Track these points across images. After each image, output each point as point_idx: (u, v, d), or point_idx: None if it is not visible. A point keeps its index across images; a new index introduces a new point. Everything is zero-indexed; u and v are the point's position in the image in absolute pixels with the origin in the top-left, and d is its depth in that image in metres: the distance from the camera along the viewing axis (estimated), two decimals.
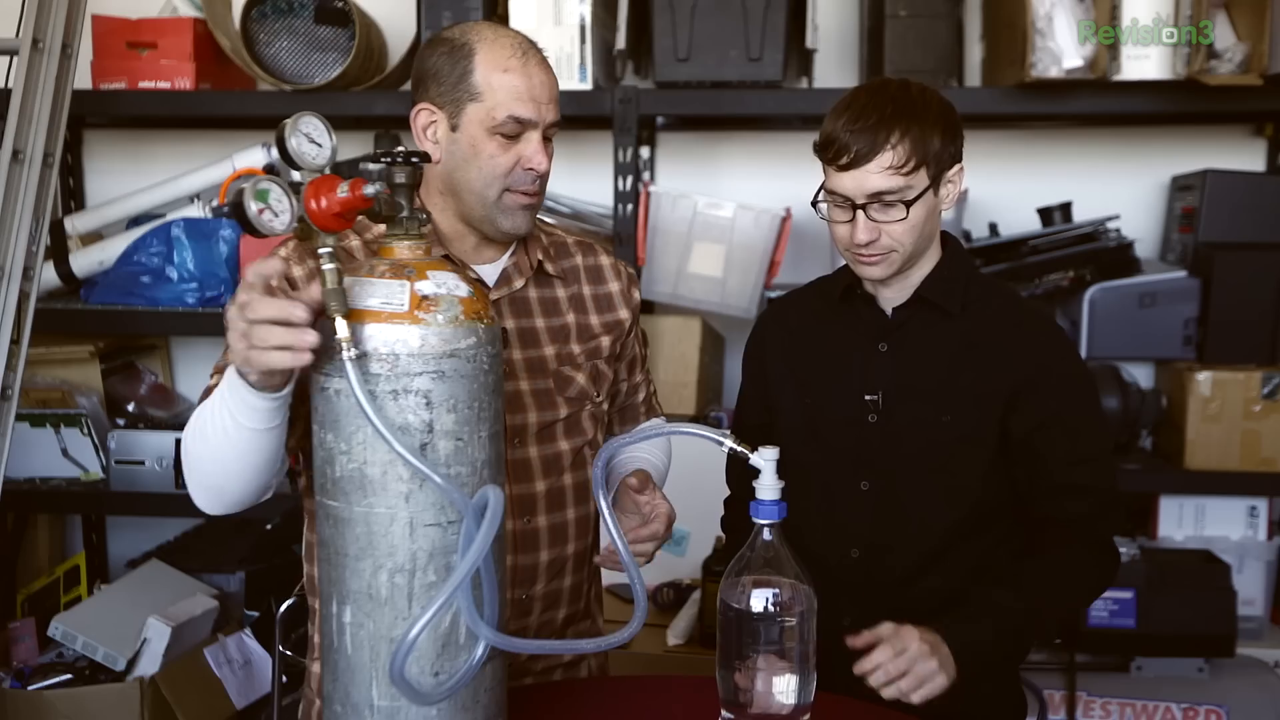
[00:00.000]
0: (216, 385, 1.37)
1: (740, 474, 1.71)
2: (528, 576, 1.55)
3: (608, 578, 2.69)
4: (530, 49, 1.49)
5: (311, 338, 1.11)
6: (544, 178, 1.51)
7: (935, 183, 1.54)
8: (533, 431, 1.55)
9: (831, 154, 1.53)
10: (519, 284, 1.57)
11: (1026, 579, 1.54)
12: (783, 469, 1.27)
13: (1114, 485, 1.64)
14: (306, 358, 1.12)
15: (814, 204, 1.60)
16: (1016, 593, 1.52)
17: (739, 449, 1.25)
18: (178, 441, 2.86)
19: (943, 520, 1.60)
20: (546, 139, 1.50)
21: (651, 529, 1.48)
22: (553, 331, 1.59)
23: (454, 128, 1.48)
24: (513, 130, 1.46)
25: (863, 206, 1.52)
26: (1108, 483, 1.62)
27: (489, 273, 1.56)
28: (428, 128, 1.50)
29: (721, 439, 1.26)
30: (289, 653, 2.33)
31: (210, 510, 1.40)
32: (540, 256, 1.60)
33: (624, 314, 1.67)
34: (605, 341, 1.64)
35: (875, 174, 1.50)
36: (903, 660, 1.40)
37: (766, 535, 1.28)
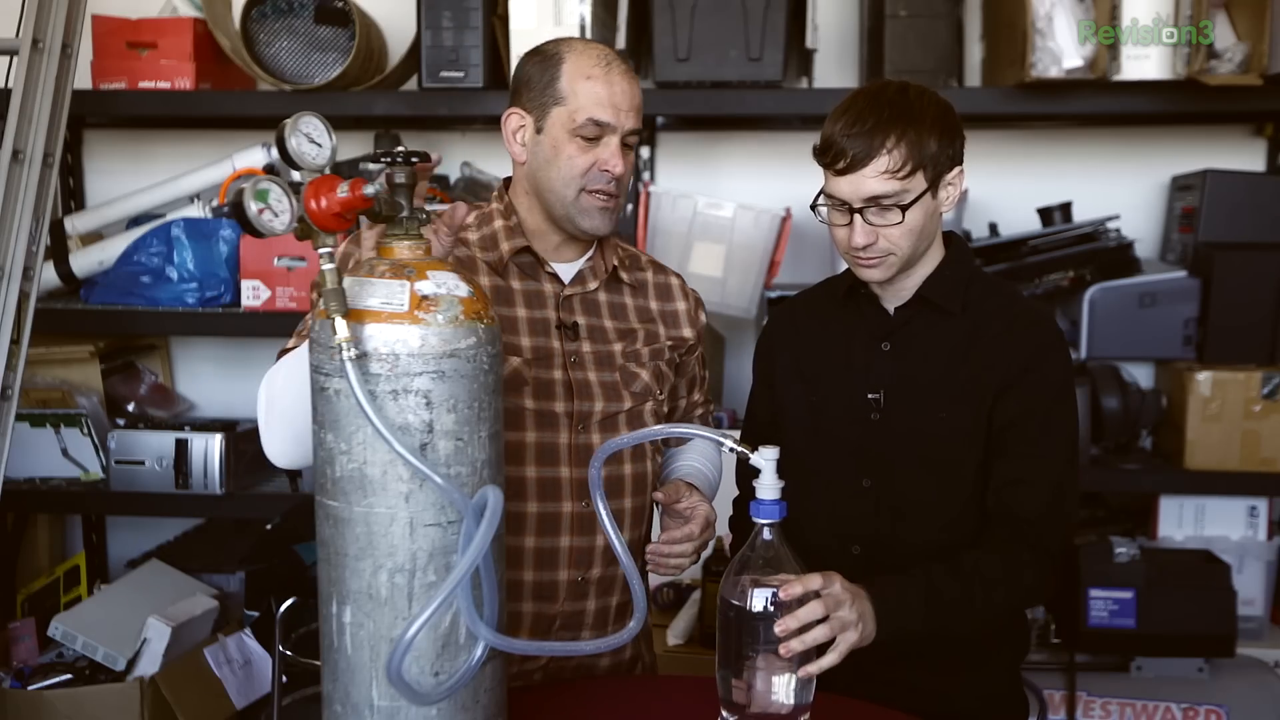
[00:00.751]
0: (291, 345, 1.49)
1: (747, 474, 1.72)
2: (584, 560, 1.61)
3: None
4: (615, 60, 1.58)
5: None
6: (620, 181, 1.58)
7: (934, 186, 1.54)
8: (596, 419, 1.61)
9: (829, 158, 1.54)
10: (593, 285, 1.65)
11: (964, 567, 1.50)
12: (787, 466, 1.28)
13: (1068, 491, 1.60)
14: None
15: (813, 207, 1.60)
16: (953, 577, 1.49)
17: (738, 449, 1.25)
18: (178, 441, 2.90)
19: (942, 517, 1.60)
20: (627, 146, 1.58)
21: (686, 530, 1.55)
22: (620, 332, 1.67)
23: (539, 130, 1.57)
24: (592, 133, 1.54)
25: (860, 210, 1.53)
26: (1060, 486, 1.58)
27: (566, 271, 1.64)
28: (517, 131, 1.60)
29: (721, 439, 1.26)
30: (289, 653, 2.33)
31: (280, 458, 1.47)
32: (616, 263, 1.67)
33: (688, 332, 1.75)
34: (668, 348, 1.71)
35: (871, 178, 1.51)
36: (829, 601, 1.32)
37: (766, 535, 1.28)
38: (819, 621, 1.31)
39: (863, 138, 1.50)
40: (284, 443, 1.45)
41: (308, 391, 1.32)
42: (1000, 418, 1.58)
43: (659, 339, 1.70)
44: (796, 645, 1.28)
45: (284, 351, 1.50)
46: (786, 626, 1.28)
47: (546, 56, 1.58)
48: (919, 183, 1.52)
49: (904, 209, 1.51)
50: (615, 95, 1.55)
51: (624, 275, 1.69)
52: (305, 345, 1.33)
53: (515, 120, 1.60)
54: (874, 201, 1.52)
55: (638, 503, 1.66)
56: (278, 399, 1.43)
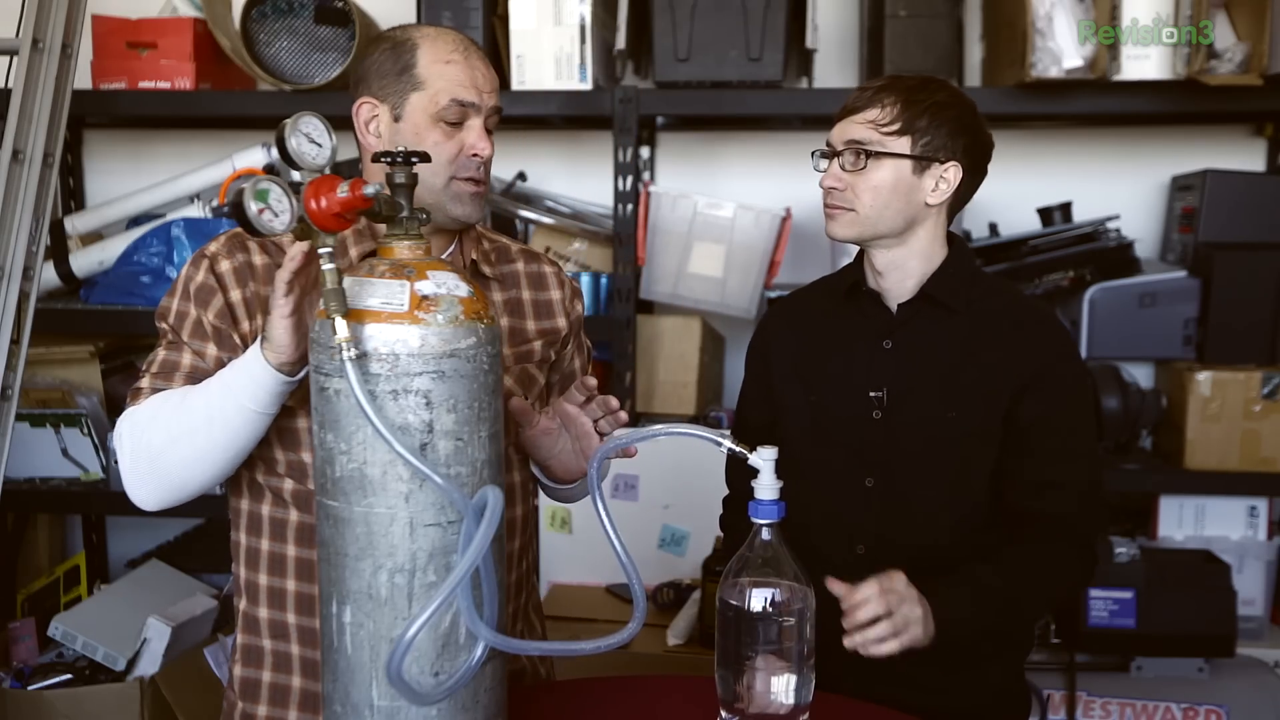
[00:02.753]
0: (147, 387, 1.46)
1: (739, 473, 1.72)
2: None
3: (609, 577, 2.71)
4: (471, 45, 1.53)
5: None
6: (487, 165, 1.53)
7: (918, 162, 1.57)
8: None
9: (839, 110, 1.63)
10: None
11: (1009, 564, 1.55)
12: (787, 466, 1.28)
13: (1098, 486, 1.64)
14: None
15: (813, 154, 1.66)
16: (1000, 575, 1.53)
17: (737, 449, 1.25)
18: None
19: (947, 516, 1.61)
20: (488, 130, 1.52)
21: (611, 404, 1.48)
22: None
23: (397, 118, 1.49)
24: (456, 116, 1.48)
25: (839, 154, 1.60)
26: (1092, 483, 1.62)
27: None
28: (370, 121, 1.52)
29: (720, 439, 1.26)
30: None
31: (150, 504, 1.44)
32: (476, 257, 1.60)
33: (561, 323, 1.67)
34: (538, 346, 1.64)
35: (858, 123, 1.59)
36: (892, 598, 1.41)
37: (765, 535, 1.28)
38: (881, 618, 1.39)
39: (869, 92, 1.60)
40: (158, 490, 1.43)
41: (208, 431, 1.36)
42: (1022, 418, 1.58)
43: (528, 335, 1.63)
44: (859, 638, 1.37)
45: (137, 392, 1.46)
46: (853, 620, 1.38)
47: (398, 44, 1.50)
48: (900, 145, 1.57)
49: (870, 156, 1.57)
50: (476, 78, 1.49)
51: (486, 269, 1.61)
52: (224, 378, 1.35)
53: (367, 110, 1.51)
54: (851, 145, 1.58)
55: (511, 513, 1.57)
56: (151, 445, 1.40)
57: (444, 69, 1.48)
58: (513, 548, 1.60)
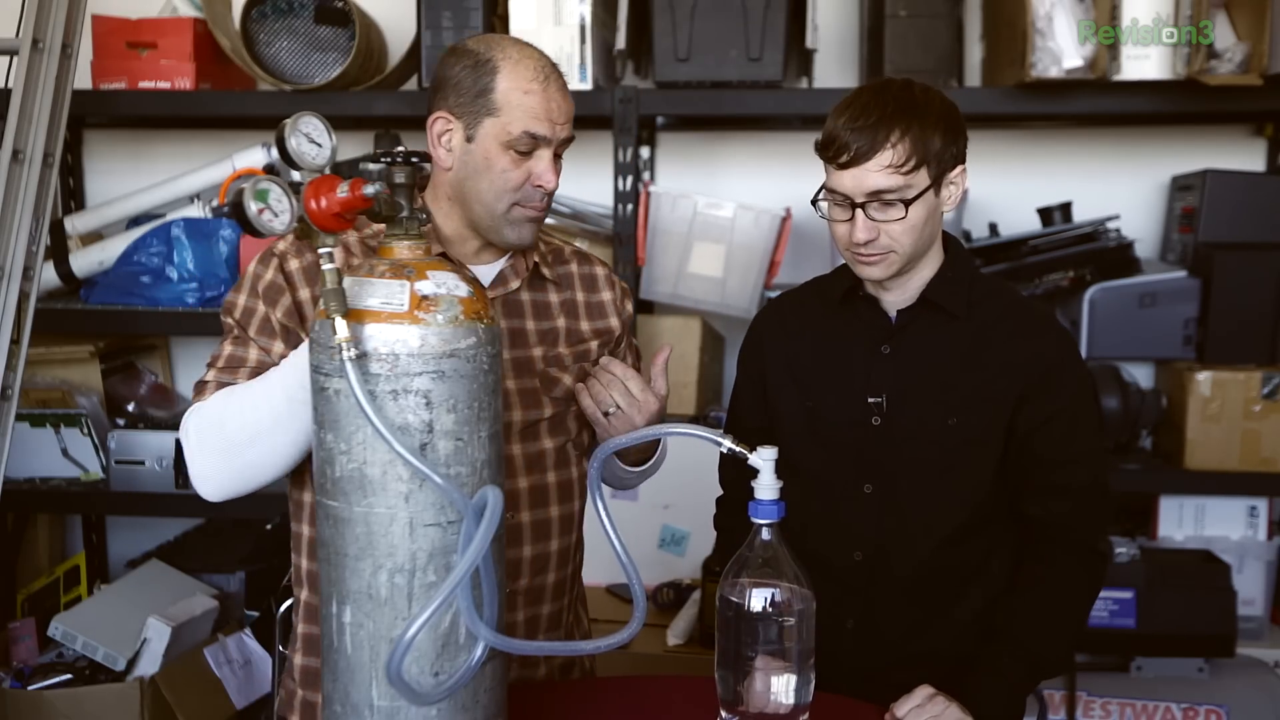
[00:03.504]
0: (213, 381, 1.47)
1: (733, 473, 1.71)
2: (511, 571, 1.57)
3: (609, 577, 2.70)
4: (552, 73, 1.52)
5: None
6: (551, 195, 1.55)
7: (936, 183, 1.53)
8: (516, 429, 1.57)
9: (832, 152, 1.53)
10: (514, 285, 1.60)
11: (1022, 627, 1.56)
12: (785, 471, 1.27)
13: (1104, 485, 1.63)
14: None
15: (814, 203, 1.59)
16: (1019, 645, 1.55)
17: (737, 449, 1.25)
18: (178, 442, 2.87)
19: (947, 522, 1.60)
20: (557, 156, 1.54)
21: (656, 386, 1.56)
22: (541, 334, 1.62)
23: (469, 139, 1.50)
24: (526, 146, 1.49)
25: (862, 205, 1.52)
26: (1096, 485, 1.61)
27: (485, 274, 1.59)
28: (443, 135, 1.52)
29: (720, 439, 1.26)
30: (289, 660, 2.33)
31: (217, 496, 1.45)
32: (536, 260, 1.63)
33: (614, 323, 1.70)
34: (594, 346, 1.66)
35: (875, 172, 1.49)
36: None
37: (765, 535, 1.28)
38: None
39: (867, 131, 1.49)
40: (230, 482, 1.44)
41: (275, 422, 1.36)
42: (1024, 424, 1.57)
43: (584, 335, 1.65)
44: None
45: (203, 386, 1.48)
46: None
47: (479, 61, 1.49)
48: (922, 178, 1.51)
49: (907, 204, 1.51)
50: (552, 110, 1.49)
51: (546, 271, 1.63)
52: (288, 367, 1.35)
53: (441, 124, 1.52)
54: (876, 196, 1.51)
55: (564, 510, 1.62)
56: (222, 435, 1.41)
57: (522, 99, 1.48)
58: (569, 542, 1.63)
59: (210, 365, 1.51)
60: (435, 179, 1.56)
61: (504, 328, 1.57)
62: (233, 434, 1.41)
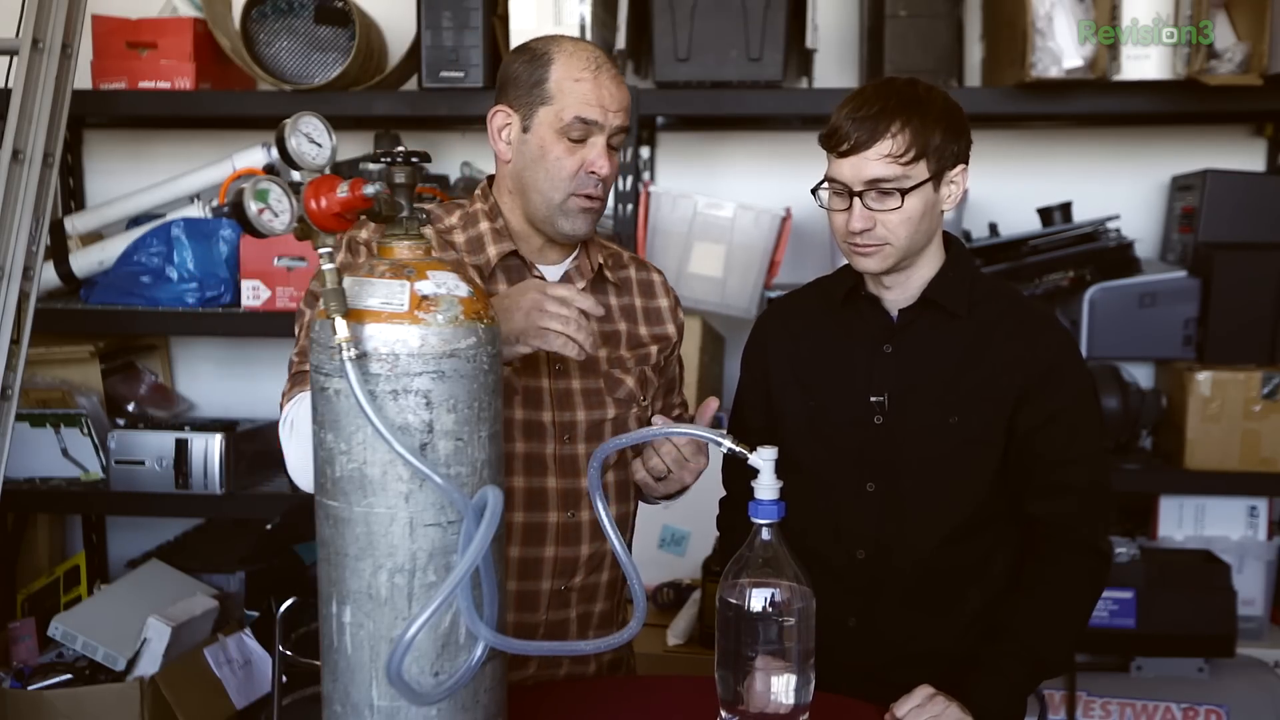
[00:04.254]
0: (296, 368, 1.49)
1: (735, 473, 1.72)
2: (568, 569, 1.60)
3: None
4: (604, 63, 1.56)
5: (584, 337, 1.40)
6: (606, 183, 1.57)
7: (936, 179, 1.55)
8: (582, 429, 1.60)
9: (834, 141, 1.55)
10: (580, 285, 1.62)
11: (1025, 626, 1.55)
12: (787, 470, 1.28)
13: (1105, 484, 1.63)
14: (574, 350, 1.40)
15: (814, 191, 1.61)
16: (1021, 645, 1.54)
17: (737, 449, 1.25)
18: (178, 441, 2.90)
19: (948, 521, 1.60)
20: (613, 148, 1.56)
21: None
22: (605, 335, 1.65)
23: (525, 129, 1.55)
24: (579, 133, 1.53)
25: (860, 194, 1.54)
26: (1097, 484, 1.61)
27: (552, 273, 1.62)
28: (503, 129, 1.58)
29: (720, 439, 1.26)
30: (289, 653, 2.33)
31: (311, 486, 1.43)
32: (601, 262, 1.66)
33: (670, 329, 1.73)
34: (653, 351, 1.69)
35: (874, 160, 1.52)
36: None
37: (765, 535, 1.28)
38: None
39: (868, 121, 1.52)
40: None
41: None
42: (1026, 423, 1.58)
43: (643, 340, 1.69)
44: None
45: (296, 376, 1.49)
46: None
47: (535, 55, 1.55)
48: (921, 171, 1.53)
49: (904, 193, 1.52)
50: (604, 97, 1.53)
51: (609, 274, 1.67)
52: None
53: (501, 118, 1.57)
54: (874, 185, 1.53)
55: (621, 510, 1.66)
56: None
57: (574, 86, 1.52)
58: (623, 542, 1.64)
59: (297, 353, 1.53)
60: (500, 173, 1.61)
61: None
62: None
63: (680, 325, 1.76)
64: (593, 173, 1.53)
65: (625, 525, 1.69)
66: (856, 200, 1.54)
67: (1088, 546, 1.60)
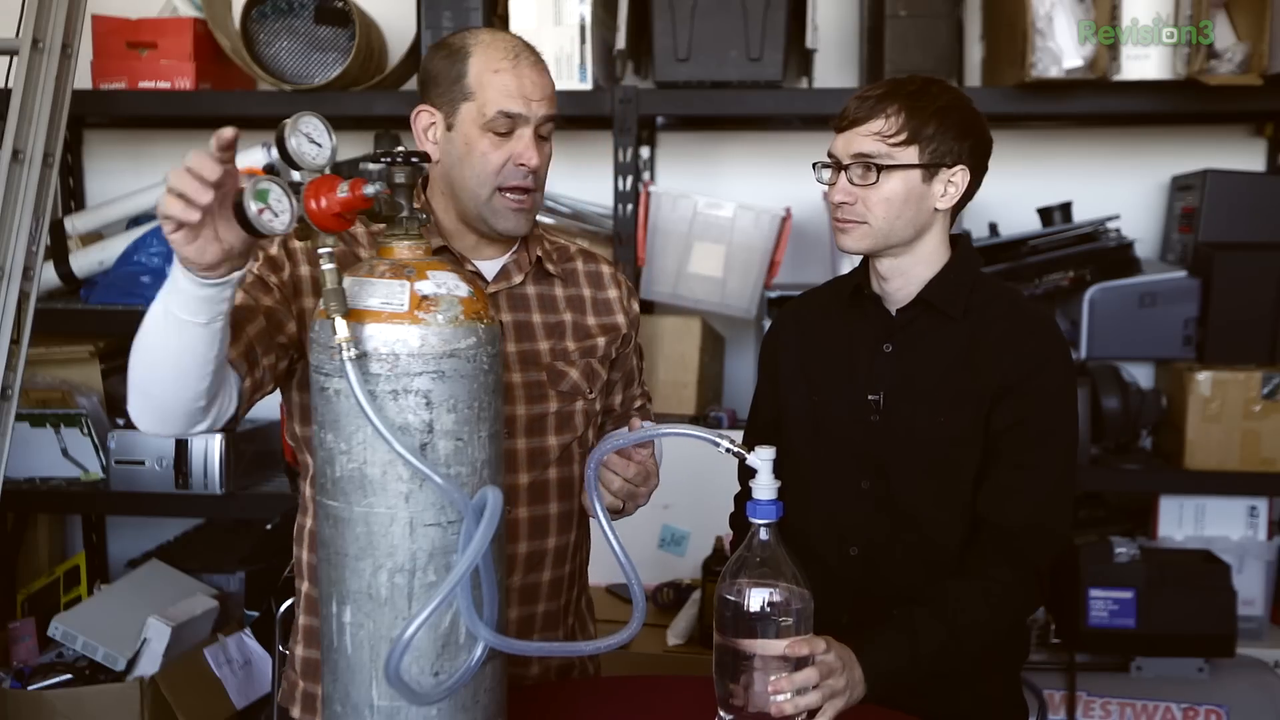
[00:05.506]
0: None
1: (749, 472, 1.72)
2: (504, 568, 1.55)
3: (608, 577, 2.70)
4: (523, 50, 1.53)
5: (206, 198, 1.12)
6: (538, 174, 1.53)
7: (928, 171, 1.56)
8: (521, 424, 1.57)
9: (838, 119, 1.60)
10: (518, 279, 1.60)
11: (949, 609, 1.50)
12: (788, 466, 1.28)
13: (1061, 500, 1.59)
14: (195, 215, 1.13)
15: (814, 165, 1.64)
16: (940, 618, 1.49)
17: (734, 450, 1.25)
18: (178, 442, 2.90)
19: (939, 520, 1.60)
20: (542, 137, 1.53)
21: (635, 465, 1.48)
22: (549, 327, 1.62)
23: (449, 127, 1.52)
24: (504, 127, 1.50)
25: (846, 167, 1.57)
26: (1051, 497, 1.57)
27: (489, 268, 1.59)
28: (428, 129, 1.55)
29: (718, 440, 1.26)
30: (289, 653, 2.33)
31: (145, 426, 1.37)
32: (540, 254, 1.63)
33: (621, 320, 1.70)
34: (601, 342, 1.66)
35: (863, 136, 1.56)
36: (820, 669, 1.35)
37: (763, 535, 1.28)
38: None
39: (870, 101, 1.57)
40: (145, 412, 1.35)
41: (150, 344, 1.28)
42: (996, 423, 1.58)
43: (590, 331, 1.65)
44: (789, 709, 1.30)
45: None
46: (779, 688, 1.29)
47: (453, 50, 1.52)
48: (908, 155, 1.55)
49: (880, 170, 1.55)
50: (525, 86, 1.50)
51: (550, 267, 1.63)
52: (157, 303, 1.26)
53: (425, 118, 1.54)
54: (860, 159, 1.56)
55: (564, 508, 1.61)
56: (130, 364, 1.34)
57: (492, 78, 1.49)
58: (567, 540, 1.62)
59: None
60: (430, 174, 1.58)
61: (509, 321, 1.58)
62: (132, 365, 1.34)
63: (634, 316, 1.73)
64: (521, 165, 1.50)
65: (571, 523, 1.62)
66: (842, 174, 1.58)
67: (1023, 560, 1.55)
